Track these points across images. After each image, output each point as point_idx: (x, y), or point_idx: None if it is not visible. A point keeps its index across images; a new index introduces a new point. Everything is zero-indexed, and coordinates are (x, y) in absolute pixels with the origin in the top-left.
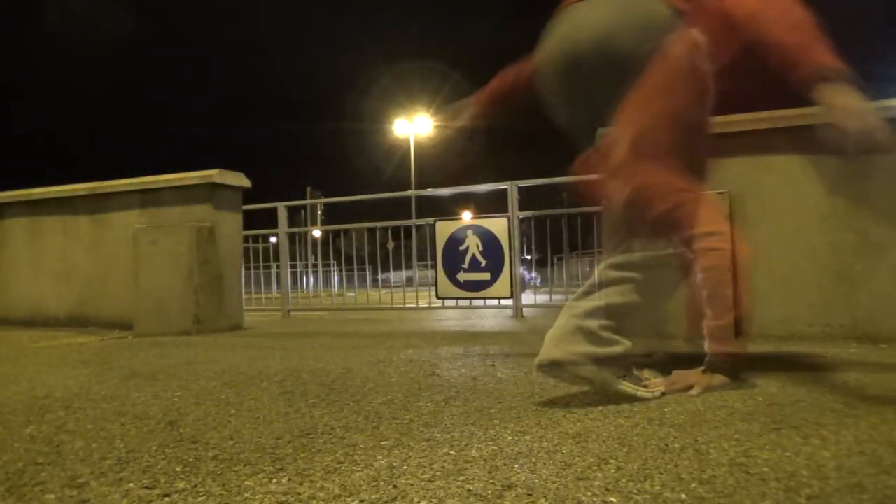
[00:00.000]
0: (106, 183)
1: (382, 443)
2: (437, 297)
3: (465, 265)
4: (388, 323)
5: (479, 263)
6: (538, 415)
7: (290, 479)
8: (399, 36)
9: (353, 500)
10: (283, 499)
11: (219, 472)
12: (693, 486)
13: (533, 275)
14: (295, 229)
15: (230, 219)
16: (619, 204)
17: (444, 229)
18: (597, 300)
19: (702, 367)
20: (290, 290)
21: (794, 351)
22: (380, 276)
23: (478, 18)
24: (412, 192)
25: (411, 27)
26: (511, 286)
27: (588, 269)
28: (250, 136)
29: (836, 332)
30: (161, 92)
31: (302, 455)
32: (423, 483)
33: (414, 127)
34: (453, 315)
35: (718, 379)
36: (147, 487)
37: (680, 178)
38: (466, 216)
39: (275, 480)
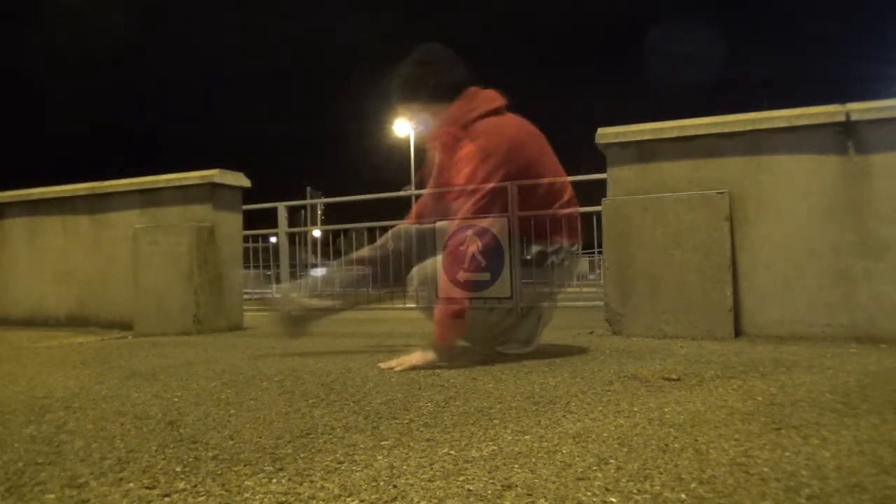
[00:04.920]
0: (106, 183)
1: (382, 443)
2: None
3: (465, 265)
4: (389, 323)
5: (479, 263)
6: (538, 415)
7: (290, 479)
8: (402, 34)
9: (353, 500)
10: (283, 499)
11: (219, 472)
12: (693, 486)
13: None
14: (295, 229)
15: (230, 219)
16: None
17: (444, 229)
18: None
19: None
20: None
21: (794, 351)
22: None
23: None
24: (412, 192)
25: (418, 23)
26: (511, 286)
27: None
28: (250, 136)
29: (836, 332)
30: (160, 92)
31: (302, 455)
32: (423, 483)
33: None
34: None
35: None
36: (147, 487)
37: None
38: None
39: (275, 480)
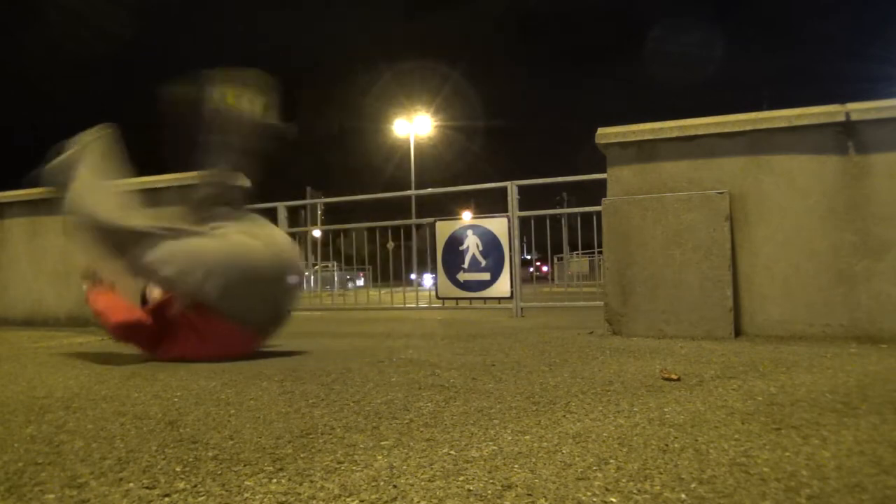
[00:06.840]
0: None
1: (382, 443)
2: (437, 297)
3: (465, 265)
4: (388, 323)
5: (479, 263)
6: (538, 415)
7: (290, 479)
8: (402, 31)
9: (353, 500)
10: (283, 499)
11: (219, 472)
12: (693, 486)
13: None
14: (295, 229)
15: None
16: None
17: (444, 229)
18: None
19: None
20: None
21: (794, 351)
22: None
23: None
24: (412, 192)
25: (418, 21)
26: (511, 286)
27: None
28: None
29: (836, 332)
30: (158, 91)
31: (302, 455)
32: (423, 483)
33: (414, 127)
34: (453, 315)
35: None
36: (147, 487)
37: None
38: (466, 216)
39: (275, 480)
